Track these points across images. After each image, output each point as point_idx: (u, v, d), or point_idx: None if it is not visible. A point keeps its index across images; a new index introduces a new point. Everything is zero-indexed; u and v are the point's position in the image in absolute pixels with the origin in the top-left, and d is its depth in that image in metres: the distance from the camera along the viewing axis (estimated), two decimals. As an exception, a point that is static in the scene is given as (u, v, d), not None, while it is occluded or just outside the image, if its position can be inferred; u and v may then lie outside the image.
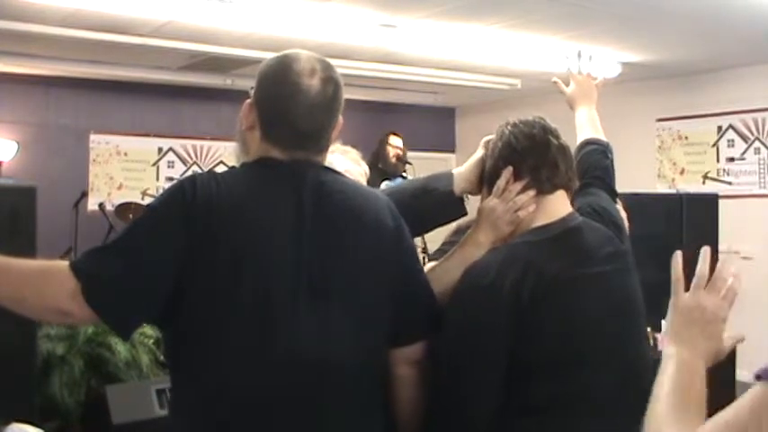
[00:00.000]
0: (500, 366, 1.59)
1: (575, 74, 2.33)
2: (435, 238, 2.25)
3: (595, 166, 2.03)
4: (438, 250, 2.07)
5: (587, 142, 2.11)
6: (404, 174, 5.88)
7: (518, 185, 1.73)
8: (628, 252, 1.82)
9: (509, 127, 1.78)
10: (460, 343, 1.63)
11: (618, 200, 2.05)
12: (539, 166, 1.73)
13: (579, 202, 1.83)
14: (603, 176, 2.03)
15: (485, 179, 1.82)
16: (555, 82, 2.37)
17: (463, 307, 1.65)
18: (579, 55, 2.31)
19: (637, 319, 1.76)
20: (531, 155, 1.73)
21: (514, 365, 1.58)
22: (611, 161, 2.09)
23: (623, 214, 1.97)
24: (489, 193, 1.78)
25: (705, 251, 1.29)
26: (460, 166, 1.89)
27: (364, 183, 2.24)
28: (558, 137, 1.77)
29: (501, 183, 1.75)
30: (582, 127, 2.21)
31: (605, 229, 1.80)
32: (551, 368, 1.60)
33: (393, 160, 5.83)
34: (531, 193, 1.73)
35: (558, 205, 1.75)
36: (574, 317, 1.63)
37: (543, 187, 1.73)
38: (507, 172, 1.74)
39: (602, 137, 2.16)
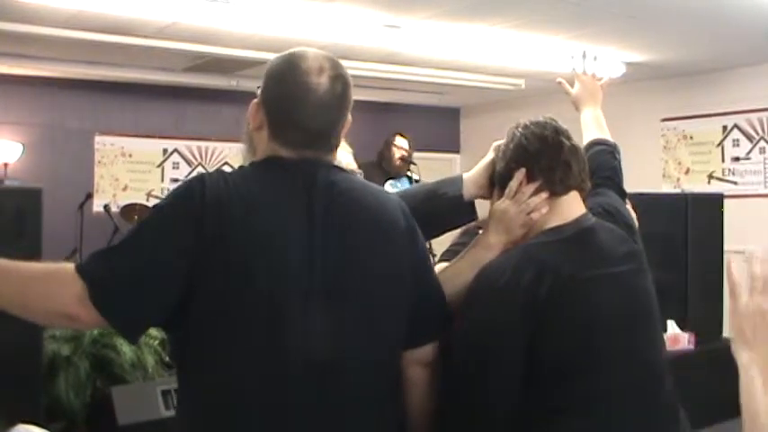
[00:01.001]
0: (516, 367, 1.57)
1: (580, 74, 2.32)
2: (440, 239, 2.25)
3: (604, 166, 2.02)
4: (447, 251, 2.06)
5: (594, 143, 2.10)
6: (408, 174, 5.87)
7: (531, 187, 1.71)
8: (642, 252, 1.81)
9: (520, 129, 1.76)
10: (476, 344, 1.61)
11: (627, 200, 2.04)
12: (552, 167, 1.71)
13: (590, 202, 1.81)
14: (612, 176, 2.02)
15: (496, 181, 1.80)
16: (560, 82, 2.36)
17: (478, 308, 1.64)
18: (584, 55, 2.29)
19: (652, 319, 1.75)
20: (543, 156, 1.72)
21: (530, 366, 1.57)
22: (619, 161, 2.08)
23: (633, 214, 1.96)
24: (501, 195, 1.76)
25: (752, 253, 1.24)
26: (470, 170, 1.87)
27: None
28: (569, 138, 1.75)
29: (513, 184, 1.73)
30: (588, 127, 2.19)
31: (619, 229, 1.78)
32: (567, 369, 1.59)
33: (398, 162, 5.82)
34: (544, 195, 1.71)
35: (572, 206, 1.73)
36: (590, 317, 1.61)
37: (556, 189, 1.72)
38: (520, 174, 1.72)
39: (608, 137, 2.14)
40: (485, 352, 1.60)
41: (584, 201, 1.78)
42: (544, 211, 1.71)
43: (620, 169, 2.08)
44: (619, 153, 2.10)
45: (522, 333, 1.57)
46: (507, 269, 1.62)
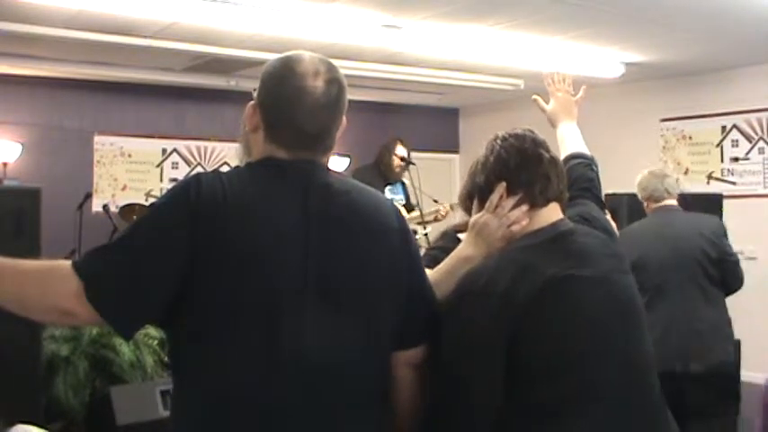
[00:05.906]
0: (498, 368, 1.56)
1: (554, 92, 2.34)
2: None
3: (582, 178, 2.04)
4: (425, 255, 2.04)
5: (571, 156, 2.12)
6: (403, 180, 5.93)
7: (511, 201, 1.72)
8: (624, 255, 1.81)
9: (499, 141, 1.76)
10: (458, 348, 1.61)
11: (606, 210, 2.05)
12: (532, 180, 1.72)
13: (569, 212, 1.82)
14: (590, 188, 2.04)
15: (476, 194, 1.81)
16: (535, 99, 2.38)
17: (458, 313, 1.63)
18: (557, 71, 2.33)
19: (637, 318, 1.75)
20: (523, 170, 1.72)
21: (515, 368, 1.56)
22: (597, 173, 2.11)
23: (612, 223, 1.98)
24: (481, 208, 1.77)
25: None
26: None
27: None
28: (548, 150, 1.76)
29: (494, 198, 1.73)
30: (564, 142, 2.22)
31: (598, 233, 1.79)
32: (552, 370, 1.58)
33: (397, 169, 5.86)
34: (525, 207, 1.71)
35: (550, 215, 1.74)
36: (573, 317, 1.61)
37: (536, 201, 1.72)
38: (501, 187, 1.73)
39: (585, 151, 2.16)
40: (467, 356, 1.60)
41: (563, 211, 1.79)
42: (524, 223, 1.71)
43: (599, 180, 2.10)
44: (596, 166, 2.13)
45: (502, 335, 1.55)
46: (485, 274, 1.62)
